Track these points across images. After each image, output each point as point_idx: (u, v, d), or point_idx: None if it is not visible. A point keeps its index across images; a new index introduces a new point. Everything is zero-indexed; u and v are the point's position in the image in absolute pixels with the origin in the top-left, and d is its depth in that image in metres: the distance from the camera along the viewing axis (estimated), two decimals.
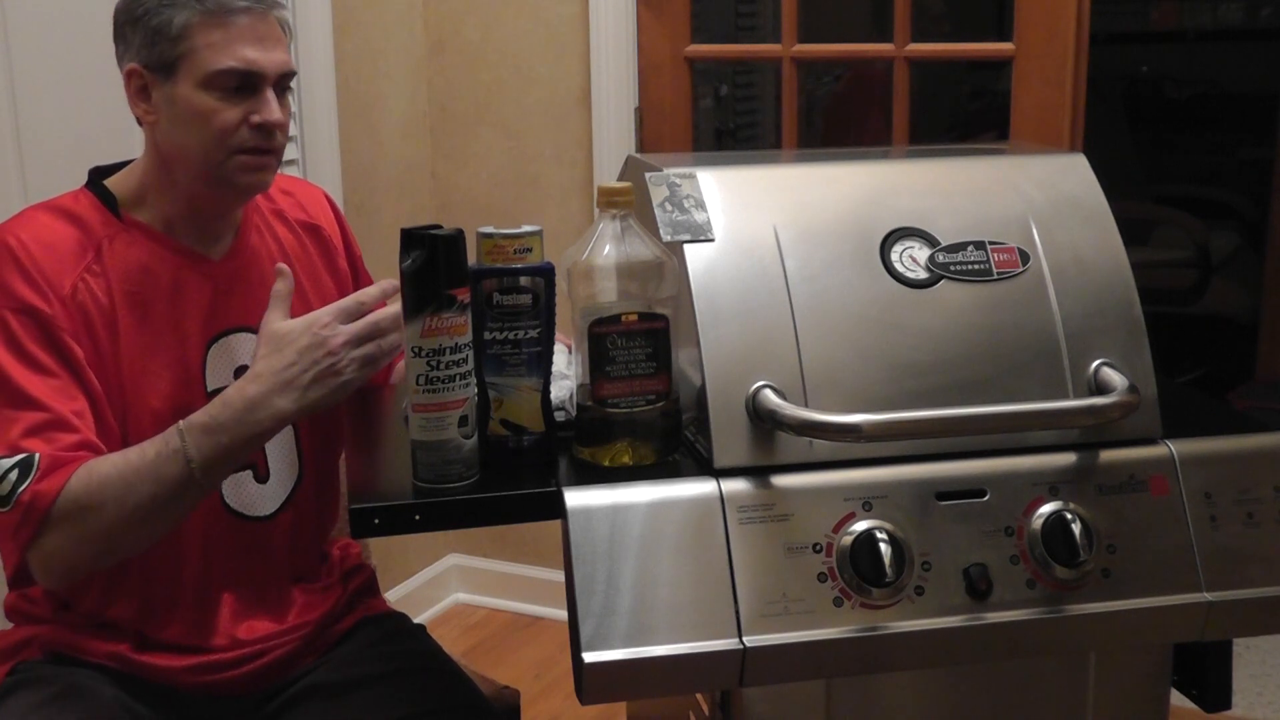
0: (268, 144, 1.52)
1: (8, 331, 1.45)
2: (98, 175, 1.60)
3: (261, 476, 1.62)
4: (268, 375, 1.42)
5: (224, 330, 1.59)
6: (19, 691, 1.50)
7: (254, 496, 1.62)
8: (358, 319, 1.45)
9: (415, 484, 1.30)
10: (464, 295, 1.28)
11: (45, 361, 1.45)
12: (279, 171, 1.62)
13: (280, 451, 1.63)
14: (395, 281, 1.39)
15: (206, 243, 1.60)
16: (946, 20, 4.27)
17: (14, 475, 1.40)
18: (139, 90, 1.53)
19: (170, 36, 1.48)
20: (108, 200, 1.56)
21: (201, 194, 1.55)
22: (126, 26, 1.51)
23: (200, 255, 1.59)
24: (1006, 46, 2.51)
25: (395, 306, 1.42)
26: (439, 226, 1.30)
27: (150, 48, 1.49)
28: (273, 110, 1.50)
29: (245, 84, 1.49)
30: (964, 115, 5.04)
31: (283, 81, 1.54)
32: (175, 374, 1.54)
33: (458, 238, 1.28)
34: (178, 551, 1.57)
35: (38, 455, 1.40)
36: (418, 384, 1.28)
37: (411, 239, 1.28)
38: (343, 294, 1.72)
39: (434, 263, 1.27)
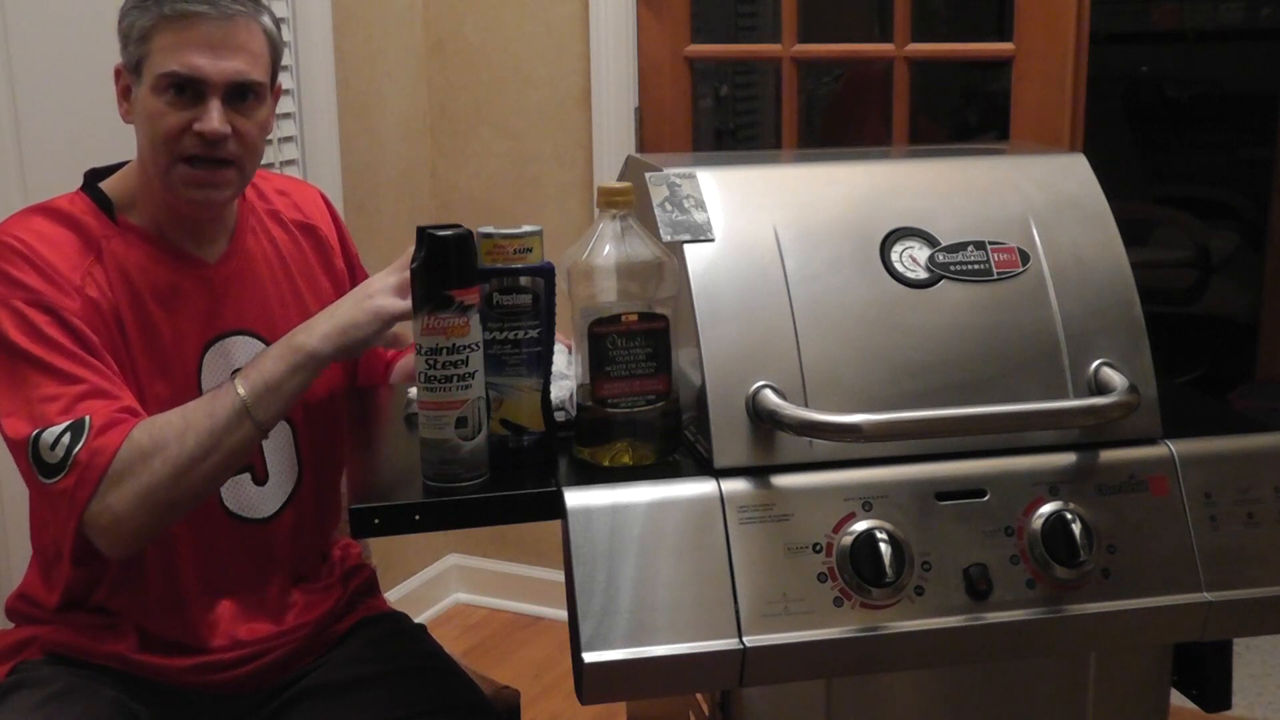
0: (211, 154, 1.49)
1: (27, 322, 1.45)
2: (93, 177, 1.60)
3: (260, 479, 1.62)
4: (321, 312, 1.50)
5: (220, 334, 1.59)
6: (19, 691, 1.50)
7: (253, 499, 1.62)
8: None
9: (424, 482, 1.30)
10: (467, 297, 1.28)
11: (71, 347, 1.46)
12: (279, 172, 1.61)
13: (279, 453, 1.63)
14: None
15: (201, 245, 1.59)
16: (946, 20, 4.27)
17: (66, 439, 1.40)
18: (123, 90, 1.54)
19: (135, 39, 1.49)
20: (103, 204, 1.56)
21: (172, 202, 1.54)
22: (117, 27, 1.53)
23: (196, 258, 1.59)
24: (1006, 46, 2.51)
25: None
26: (459, 226, 1.30)
27: (125, 49, 1.51)
28: (211, 120, 1.47)
29: (190, 91, 1.48)
30: (964, 115, 5.03)
31: (238, 91, 1.50)
32: (171, 378, 1.54)
33: (460, 240, 1.28)
34: (178, 554, 1.57)
35: (89, 417, 1.40)
36: (419, 380, 1.29)
37: (420, 237, 1.28)
38: (339, 294, 1.73)
39: (432, 262, 1.27)
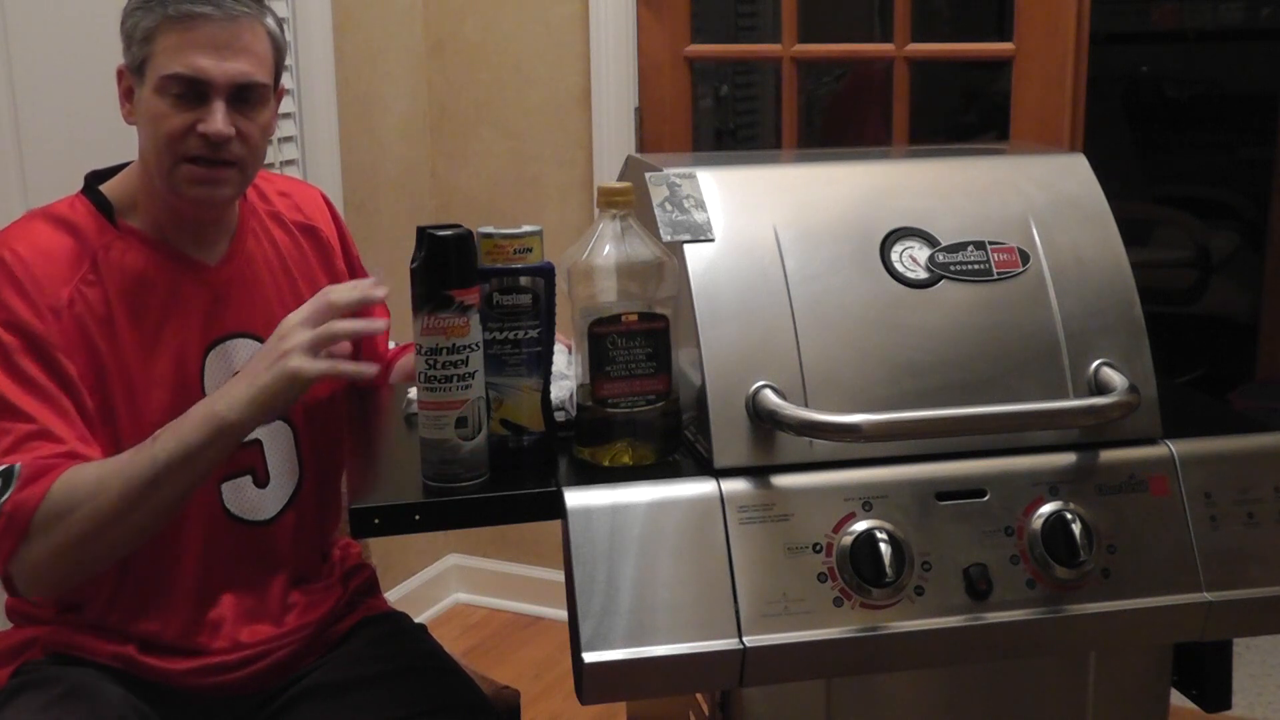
0: (214, 155, 1.49)
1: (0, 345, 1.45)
2: (94, 180, 1.60)
3: (261, 481, 1.62)
4: (240, 372, 1.44)
5: (221, 336, 1.59)
6: (26, 692, 1.50)
7: (254, 501, 1.62)
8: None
9: (424, 482, 1.30)
10: (467, 297, 1.28)
11: (36, 376, 1.45)
12: (280, 173, 1.61)
13: (280, 455, 1.63)
14: (369, 281, 1.45)
15: (202, 248, 1.59)
16: (947, 20, 4.26)
17: None
18: (126, 91, 1.54)
19: (138, 39, 1.49)
20: (104, 207, 1.55)
21: (173, 203, 1.54)
22: (120, 28, 1.52)
23: (196, 261, 1.58)
24: (1006, 46, 2.51)
25: (351, 291, 1.44)
26: (459, 226, 1.30)
27: (128, 50, 1.51)
28: (215, 121, 1.47)
29: (193, 92, 1.47)
30: (964, 115, 5.03)
31: (241, 93, 1.49)
32: (173, 382, 1.54)
33: (460, 240, 1.28)
34: (179, 556, 1.57)
35: (18, 466, 1.40)
36: (419, 380, 1.29)
37: (420, 236, 1.29)
38: None
39: (432, 262, 1.27)
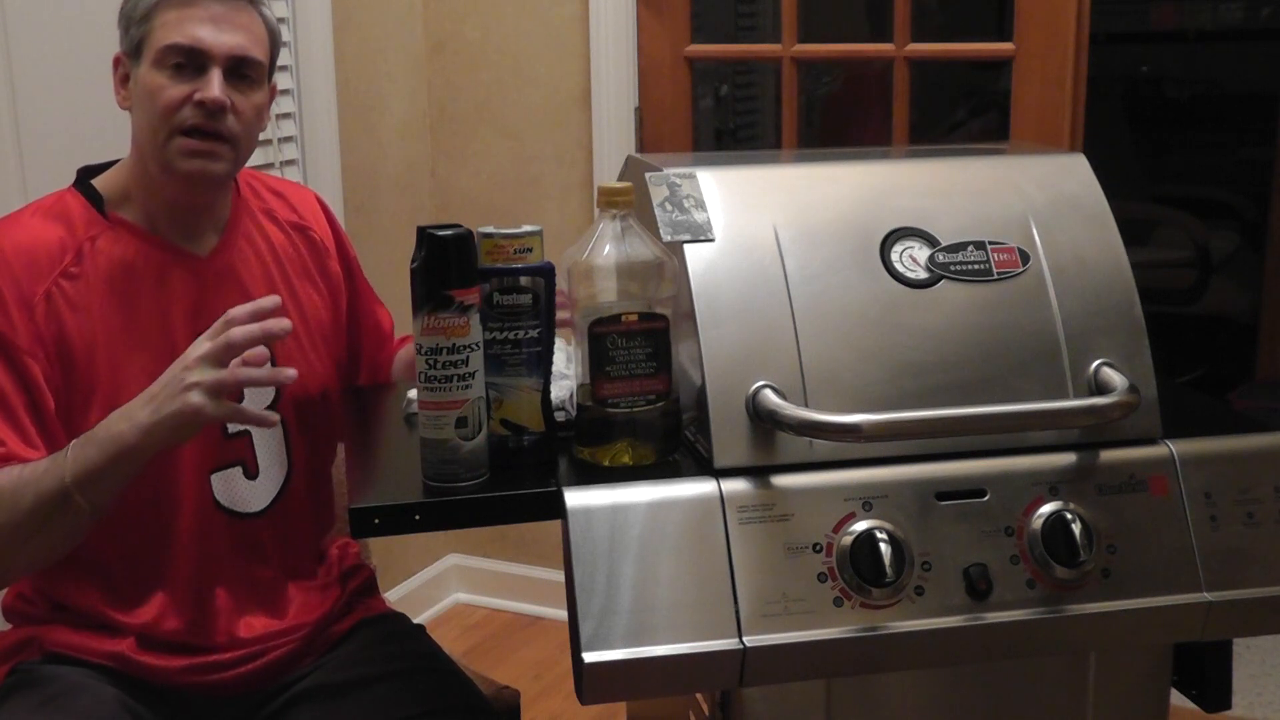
0: (210, 125, 1.50)
1: None
2: (86, 175, 1.61)
3: (251, 473, 1.62)
4: (147, 392, 1.41)
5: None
6: (20, 692, 1.50)
7: (244, 493, 1.62)
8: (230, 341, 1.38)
9: (424, 482, 1.30)
10: (467, 297, 1.28)
11: None
12: (277, 174, 1.61)
13: (269, 448, 1.63)
14: (270, 300, 1.40)
15: (192, 239, 1.60)
16: (946, 21, 4.26)
17: None
18: (122, 78, 1.56)
19: (137, 20, 1.52)
20: (94, 199, 1.56)
21: (165, 184, 1.54)
22: (119, 14, 1.55)
23: (186, 252, 1.59)
24: (1006, 46, 2.51)
25: (251, 330, 1.37)
26: (459, 226, 1.30)
27: (125, 32, 1.53)
28: (212, 88, 1.48)
29: (192, 62, 1.49)
30: (964, 115, 5.03)
31: (238, 67, 1.52)
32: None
33: (460, 240, 1.28)
34: (171, 549, 1.57)
35: None
36: (419, 380, 1.29)
37: (420, 236, 1.29)
38: (334, 297, 1.73)
39: (432, 262, 1.27)
